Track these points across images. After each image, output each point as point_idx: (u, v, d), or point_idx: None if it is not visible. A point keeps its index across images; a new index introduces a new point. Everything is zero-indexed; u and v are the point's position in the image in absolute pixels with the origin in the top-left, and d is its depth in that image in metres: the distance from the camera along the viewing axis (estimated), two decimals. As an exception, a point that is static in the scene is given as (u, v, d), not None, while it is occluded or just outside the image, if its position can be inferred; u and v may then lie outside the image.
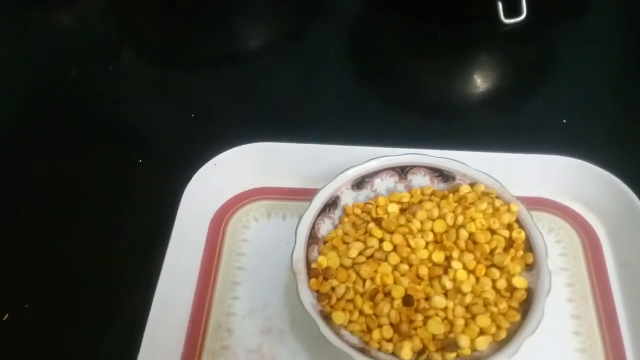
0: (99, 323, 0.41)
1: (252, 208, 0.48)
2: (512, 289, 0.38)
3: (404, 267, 0.38)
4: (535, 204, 0.46)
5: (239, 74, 0.59)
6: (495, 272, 0.38)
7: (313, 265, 0.39)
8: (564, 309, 0.42)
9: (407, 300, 0.37)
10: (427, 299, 0.37)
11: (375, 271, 0.38)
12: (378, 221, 0.41)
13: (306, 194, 0.44)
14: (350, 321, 0.37)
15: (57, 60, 0.61)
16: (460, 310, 0.37)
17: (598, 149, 0.47)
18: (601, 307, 0.42)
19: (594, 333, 0.41)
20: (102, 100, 0.57)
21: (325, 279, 0.38)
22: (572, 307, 0.42)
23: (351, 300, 0.38)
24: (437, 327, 0.36)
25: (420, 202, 0.42)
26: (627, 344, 0.40)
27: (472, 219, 0.39)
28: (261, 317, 0.42)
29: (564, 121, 0.53)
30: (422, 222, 0.40)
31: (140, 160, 0.51)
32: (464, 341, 0.35)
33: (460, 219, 0.39)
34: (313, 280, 0.38)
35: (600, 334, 0.40)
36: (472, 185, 0.42)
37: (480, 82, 0.58)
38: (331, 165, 0.45)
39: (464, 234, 0.39)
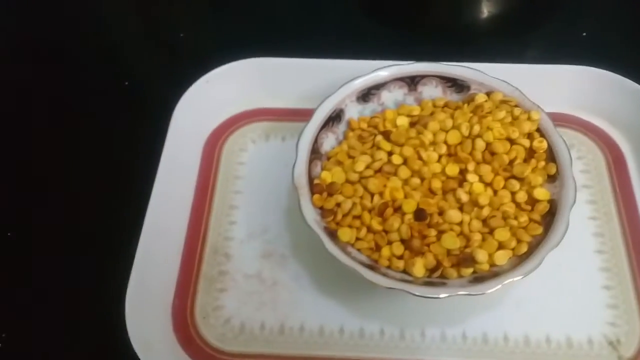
0: (86, 248, 0.39)
1: (250, 129, 0.45)
2: (533, 201, 0.34)
3: (416, 181, 0.35)
4: (555, 119, 0.42)
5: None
6: (515, 184, 0.35)
7: (316, 181, 0.36)
8: (587, 227, 0.39)
9: (419, 214, 0.34)
10: (441, 213, 0.34)
11: (385, 185, 0.35)
12: (386, 134, 0.37)
13: (307, 115, 0.39)
14: (357, 239, 0.34)
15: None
16: (476, 224, 0.34)
17: (621, 59, 0.43)
18: (626, 224, 0.39)
19: (619, 251, 0.38)
20: (87, 22, 0.53)
21: (330, 194, 0.35)
22: (595, 225, 0.39)
23: (358, 217, 0.35)
24: (452, 241, 0.33)
25: (432, 114, 0.38)
26: (655, 261, 0.37)
27: (490, 129, 0.36)
28: (261, 242, 0.39)
29: (584, 34, 0.49)
30: (434, 134, 0.37)
31: (126, 83, 0.48)
32: (481, 255, 0.32)
33: (477, 128, 0.36)
34: (316, 196, 0.35)
35: (625, 252, 0.38)
36: (488, 94, 0.38)
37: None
38: (334, 82, 0.40)
39: (480, 144, 0.36)
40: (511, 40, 0.49)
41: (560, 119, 0.43)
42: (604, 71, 0.42)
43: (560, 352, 0.34)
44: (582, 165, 0.42)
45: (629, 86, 0.42)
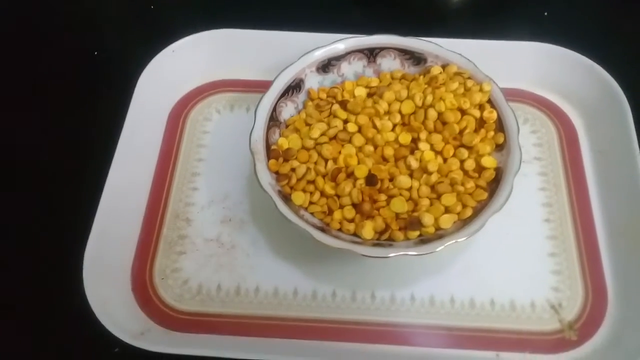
0: (50, 206, 0.40)
1: (215, 100, 0.45)
2: (480, 169, 0.36)
3: (369, 148, 0.36)
4: (512, 95, 0.44)
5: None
6: (464, 152, 0.36)
7: (273, 147, 0.37)
8: (536, 197, 0.40)
9: (371, 179, 0.35)
10: (392, 179, 0.35)
11: (339, 152, 0.36)
12: (343, 103, 0.38)
13: (271, 86, 0.41)
14: (310, 202, 0.35)
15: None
16: (425, 189, 0.35)
17: (577, 37, 0.45)
18: (574, 195, 0.40)
19: (565, 220, 0.39)
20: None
21: (286, 160, 0.36)
22: (545, 195, 0.40)
23: (312, 181, 0.36)
24: (400, 205, 0.34)
25: (389, 85, 0.39)
26: (600, 231, 0.39)
27: (442, 99, 0.37)
28: (221, 208, 0.40)
29: (545, 14, 0.50)
30: (389, 104, 0.38)
31: (95, 52, 0.48)
32: (427, 219, 0.34)
33: (430, 98, 0.37)
34: (272, 161, 0.36)
35: (572, 222, 0.39)
36: (444, 67, 0.39)
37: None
38: (299, 55, 0.41)
39: (432, 113, 0.37)
40: (474, 19, 0.50)
41: (516, 95, 0.45)
42: (560, 47, 0.44)
43: (503, 314, 0.36)
44: (536, 139, 0.43)
45: (583, 62, 0.43)
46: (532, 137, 0.43)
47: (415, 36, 0.42)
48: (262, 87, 0.44)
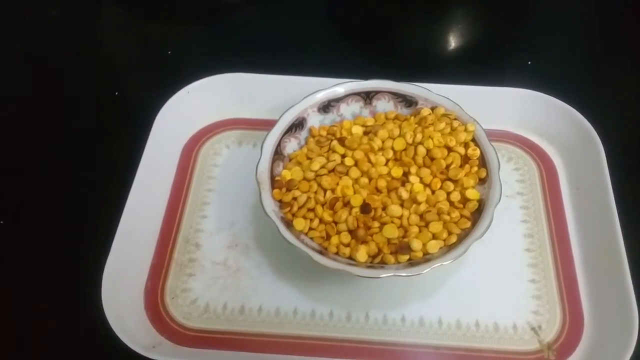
0: (70, 232, 0.43)
1: (224, 136, 0.50)
2: (465, 200, 0.39)
3: (364, 180, 0.40)
4: (498, 136, 0.48)
5: (217, 14, 0.61)
6: (450, 185, 0.40)
7: (277, 178, 0.41)
8: (518, 229, 0.44)
9: (365, 208, 0.38)
10: (384, 208, 0.39)
11: (337, 183, 0.40)
12: (342, 140, 0.42)
13: (276, 125, 0.45)
14: (310, 228, 0.39)
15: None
16: (414, 218, 0.38)
17: (557, 84, 0.49)
18: (553, 227, 0.44)
19: (545, 250, 0.42)
20: (86, 43, 0.59)
21: (288, 190, 0.40)
22: (526, 227, 0.44)
23: (312, 209, 0.39)
24: (392, 232, 0.38)
25: (383, 124, 0.43)
26: (577, 259, 0.42)
27: (431, 137, 0.41)
28: (228, 234, 0.44)
29: (529, 63, 0.55)
30: (383, 141, 0.42)
31: (116, 92, 0.53)
32: (416, 244, 0.37)
33: (419, 136, 0.41)
34: (276, 190, 0.40)
35: (551, 251, 0.42)
36: (433, 109, 0.44)
37: (450, 24, 0.59)
38: (302, 96, 0.45)
39: (422, 150, 0.41)
40: (466, 66, 0.54)
41: (502, 136, 0.49)
42: (541, 94, 0.48)
43: (487, 335, 0.39)
44: (519, 175, 0.47)
45: (563, 107, 0.47)
46: (515, 174, 0.47)
47: (408, 81, 0.46)
48: (268, 125, 0.48)
